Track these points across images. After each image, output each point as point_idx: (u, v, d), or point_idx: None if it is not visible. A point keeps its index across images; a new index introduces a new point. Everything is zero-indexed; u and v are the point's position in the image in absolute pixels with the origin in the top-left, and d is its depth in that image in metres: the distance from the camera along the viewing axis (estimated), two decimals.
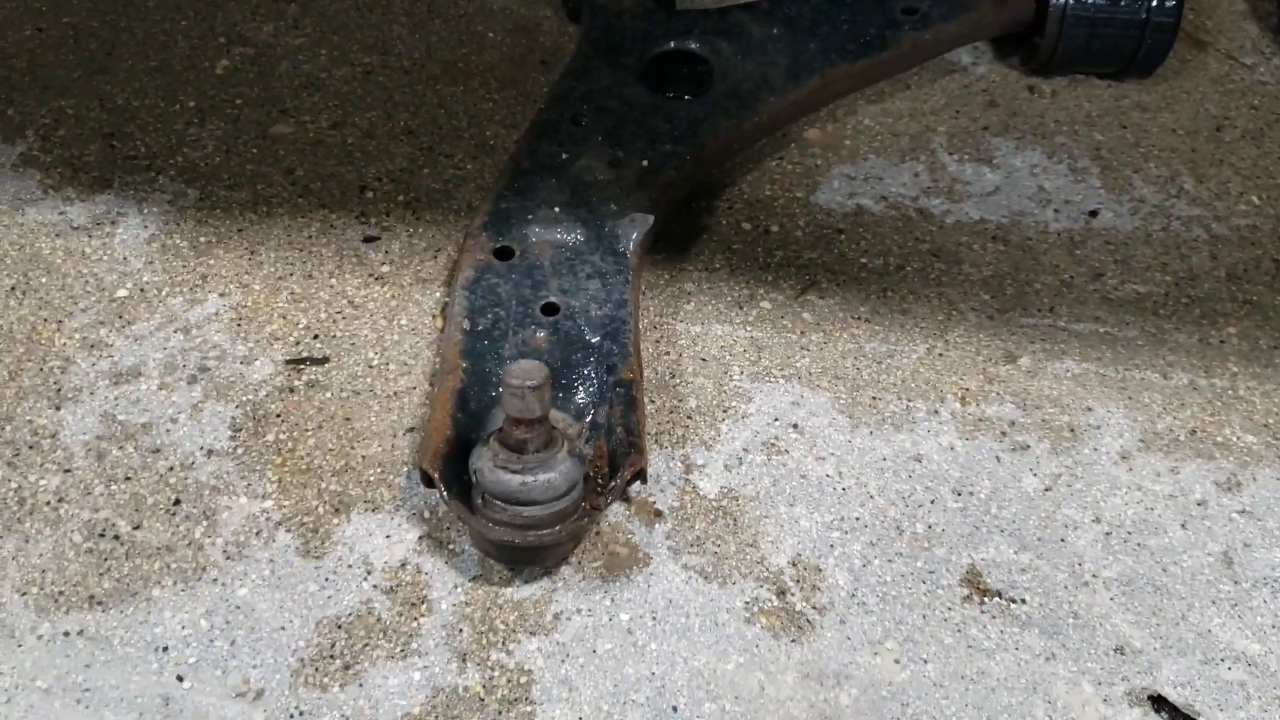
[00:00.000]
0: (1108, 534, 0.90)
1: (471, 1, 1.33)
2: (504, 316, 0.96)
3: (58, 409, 0.93)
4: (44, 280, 1.01)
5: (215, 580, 0.84)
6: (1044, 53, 1.26)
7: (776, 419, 0.96)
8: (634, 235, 1.01)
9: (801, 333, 1.03)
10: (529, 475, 0.81)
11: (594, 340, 0.94)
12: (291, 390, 0.95)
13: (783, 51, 1.17)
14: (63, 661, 0.79)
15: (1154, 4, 1.22)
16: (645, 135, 1.09)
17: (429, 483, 0.86)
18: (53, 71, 1.20)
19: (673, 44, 1.19)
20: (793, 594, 0.86)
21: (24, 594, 0.82)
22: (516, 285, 0.98)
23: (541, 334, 0.94)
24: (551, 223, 1.01)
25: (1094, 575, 0.88)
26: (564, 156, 1.06)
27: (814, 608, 0.85)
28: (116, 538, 0.86)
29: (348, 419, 0.94)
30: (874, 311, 1.05)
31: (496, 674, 0.81)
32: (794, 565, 0.88)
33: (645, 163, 1.07)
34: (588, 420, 0.90)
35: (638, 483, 0.87)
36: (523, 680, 0.80)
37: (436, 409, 0.89)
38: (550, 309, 0.96)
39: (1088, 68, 1.29)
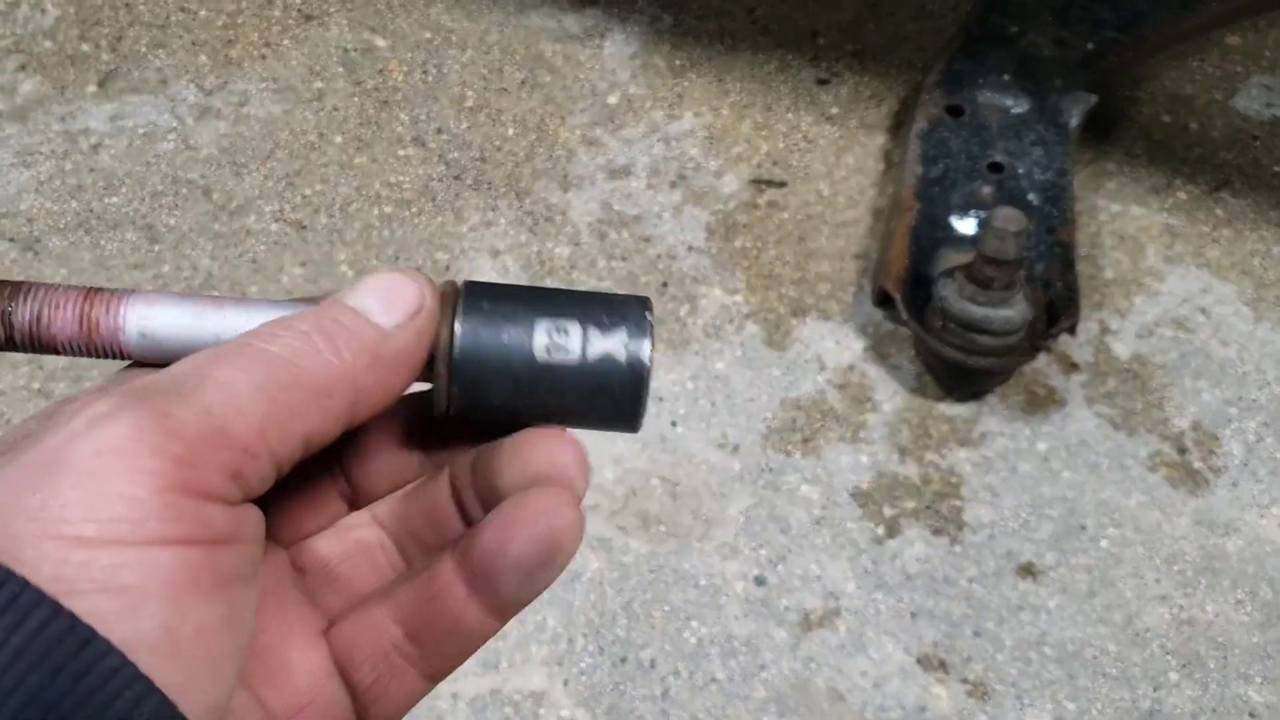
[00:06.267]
0: None
1: None
2: (953, 168, 1.07)
3: (565, 191, 1.10)
4: (548, 79, 1.17)
5: (697, 353, 1.00)
6: None
7: (1185, 300, 1.05)
8: (1076, 111, 1.09)
9: (1213, 226, 1.11)
10: (990, 309, 0.93)
11: (1035, 201, 1.04)
12: (755, 206, 1.10)
13: None
14: None
15: None
16: (1090, 20, 1.15)
17: (884, 302, 0.99)
18: None
19: None
20: (1191, 453, 0.97)
21: None
22: (966, 141, 1.08)
23: (987, 189, 1.05)
24: (1000, 89, 1.11)
25: None
26: (1013, 29, 1.15)
27: (1210, 468, 0.96)
28: None
29: (802, 239, 1.08)
30: None
31: (931, 470, 0.95)
32: (1194, 430, 0.98)
33: (1090, 45, 1.14)
34: (1022, 274, 1.01)
35: (1065, 335, 0.98)
36: (953, 480, 0.95)
37: (896, 240, 1.02)
38: (996, 167, 1.07)
39: None
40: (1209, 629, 0.90)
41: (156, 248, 1.04)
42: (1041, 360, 1.01)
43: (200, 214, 1.06)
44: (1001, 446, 0.97)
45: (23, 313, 0.31)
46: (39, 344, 0.32)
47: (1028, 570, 0.91)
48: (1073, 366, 1.02)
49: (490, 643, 0.86)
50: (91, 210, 1.06)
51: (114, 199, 1.07)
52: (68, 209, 1.06)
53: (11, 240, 1.04)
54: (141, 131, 1.11)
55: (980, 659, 0.87)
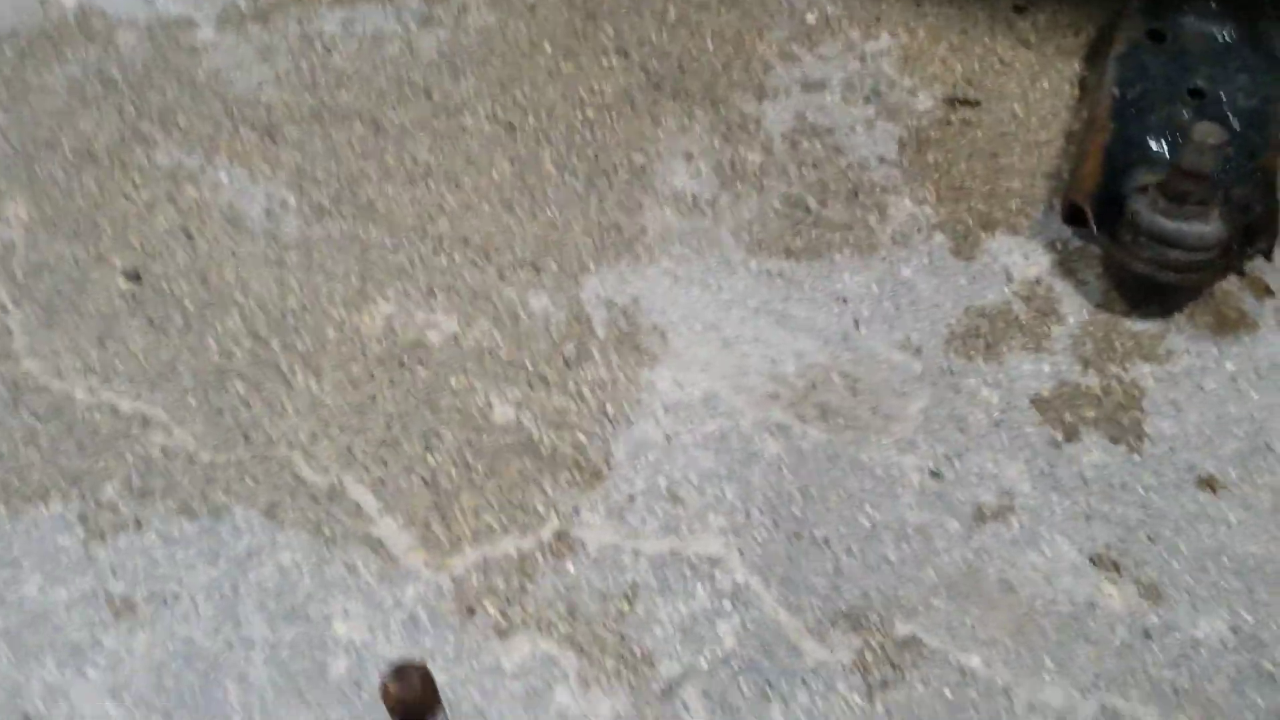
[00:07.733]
0: None
1: None
2: (1151, 91, 1.06)
3: (760, 101, 1.13)
4: None
5: (884, 259, 1.03)
6: None
7: None
8: None
9: None
10: (1184, 223, 0.93)
11: (1237, 127, 1.03)
12: (948, 123, 1.11)
13: None
14: (766, 291, 1.02)
15: None
16: None
17: (1075, 217, 1.00)
18: None
19: None
20: None
21: (736, 236, 1.05)
22: (1165, 66, 1.07)
23: (1186, 113, 1.04)
24: (1206, 16, 1.09)
25: None
26: None
27: None
28: (806, 209, 1.06)
29: (994, 155, 1.09)
30: None
31: (1113, 383, 0.96)
32: None
33: None
34: (1219, 192, 1.00)
35: (1261, 257, 0.97)
36: (1135, 393, 0.95)
37: (1089, 158, 1.02)
38: (1196, 93, 1.06)
39: None
40: None
41: (380, 140, 1.13)
42: (1233, 283, 1.00)
43: (421, 111, 1.14)
44: (1188, 364, 0.96)
45: None
46: None
47: (1209, 484, 0.91)
48: (1267, 291, 1.00)
49: (670, 507, 0.92)
50: (323, 103, 1.15)
51: (344, 94, 1.16)
52: (302, 101, 1.15)
53: (251, 127, 1.14)
54: (370, 35, 1.20)
55: (1154, 564, 0.88)
